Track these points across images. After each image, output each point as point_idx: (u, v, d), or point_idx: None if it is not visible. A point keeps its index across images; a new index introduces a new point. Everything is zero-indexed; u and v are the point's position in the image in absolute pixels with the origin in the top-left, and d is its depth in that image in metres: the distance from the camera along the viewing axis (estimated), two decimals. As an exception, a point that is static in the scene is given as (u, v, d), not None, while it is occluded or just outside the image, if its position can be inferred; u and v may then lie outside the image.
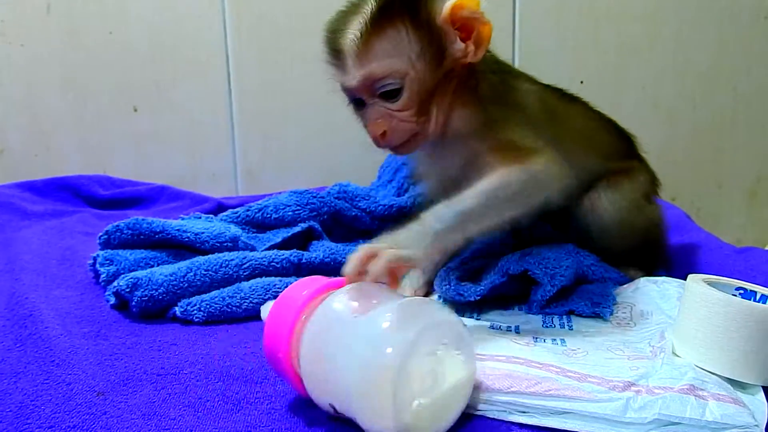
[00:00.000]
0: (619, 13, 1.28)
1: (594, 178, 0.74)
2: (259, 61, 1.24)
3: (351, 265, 0.52)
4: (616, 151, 0.78)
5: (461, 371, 0.47)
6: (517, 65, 1.26)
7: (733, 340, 0.50)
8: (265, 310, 0.51)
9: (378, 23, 0.61)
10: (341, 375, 0.44)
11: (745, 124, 1.35)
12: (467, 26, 0.62)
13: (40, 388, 0.52)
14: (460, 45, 0.62)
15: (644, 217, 0.76)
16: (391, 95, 0.63)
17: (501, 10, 1.25)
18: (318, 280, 0.51)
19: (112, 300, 0.69)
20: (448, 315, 0.48)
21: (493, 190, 0.61)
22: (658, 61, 1.30)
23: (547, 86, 0.75)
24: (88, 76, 1.22)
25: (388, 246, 0.55)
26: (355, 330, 0.45)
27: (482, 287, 0.65)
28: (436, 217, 0.59)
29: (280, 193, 0.94)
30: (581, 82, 1.25)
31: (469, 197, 0.60)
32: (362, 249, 0.54)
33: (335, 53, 0.64)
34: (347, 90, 0.65)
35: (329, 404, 0.46)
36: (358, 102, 0.66)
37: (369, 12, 0.61)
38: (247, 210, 0.89)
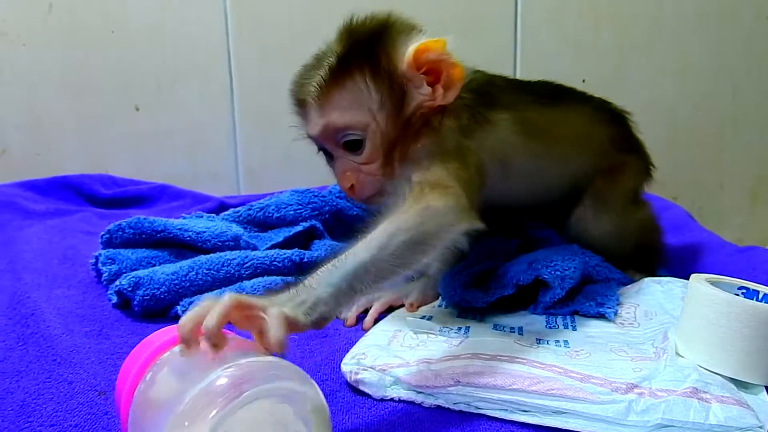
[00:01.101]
0: (619, 14, 1.28)
1: (589, 179, 0.73)
2: (260, 60, 1.24)
3: (208, 320, 0.41)
4: (610, 142, 0.76)
5: None
6: (518, 65, 1.27)
7: (736, 341, 0.50)
8: None
9: (337, 75, 0.60)
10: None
11: (746, 124, 1.35)
12: (435, 69, 0.60)
13: (42, 387, 0.52)
14: (426, 89, 0.60)
15: (634, 222, 0.75)
16: (354, 147, 0.62)
17: (502, 10, 1.25)
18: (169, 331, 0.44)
19: (114, 299, 0.69)
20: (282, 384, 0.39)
21: (387, 239, 0.51)
22: (659, 61, 1.30)
23: (533, 93, 0.72)
24: (89, 76, 1.22)
25: (269, 305, 0.44)
26: (176, 383, 0.40)
27: (489, 297, 0.65)
28: (322, 282, 0.47)
29: (281, 192, 0.94)
30: (583, 81, 1.25)
31: (360, 252, 0.50)
32: (226, 303, 0.42)
33: (299, 103, 0.64)
34: (312, 138, 0.65)
35: None
36: (327, 152, 0.66)
37: (329, 64, 0.61)
38: (249, 209, 0.89)
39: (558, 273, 0.64)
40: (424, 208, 0.54)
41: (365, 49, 0.60)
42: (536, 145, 0.68)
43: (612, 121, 0.78)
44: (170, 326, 0.45)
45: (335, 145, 0.63)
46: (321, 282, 0.47)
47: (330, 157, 0.66)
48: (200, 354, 0.41)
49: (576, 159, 0.73)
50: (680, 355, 0.53)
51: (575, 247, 0.69)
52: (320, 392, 0.41)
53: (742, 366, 0.50)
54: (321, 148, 0.66)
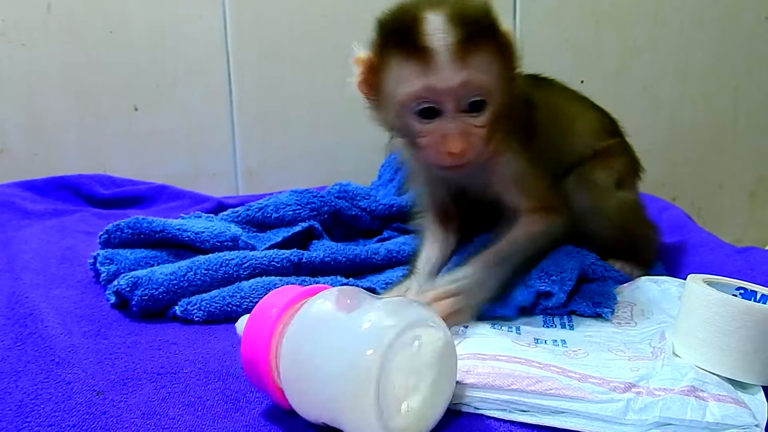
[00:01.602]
0: (620, 14, 1.28)
1: (581, 161, 0.76)
2: (259, 60, 1.24)
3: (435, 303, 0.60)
4: (602, 127, 0.80)
5: (443, 365, 0.46)
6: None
7: (733, 341, 0.50)
8: (241, 324, 0.49)
9: (478, 35, 0.59)
10: (323, 385, 0.43)
11: (746, 125, 1.35)
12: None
13: (40, 387, 0.52)
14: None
15: (614, 204, 0.76)
16: (476, 109, 0.61)
17: (502, 10, 1.25)
18: (293, 289, 0.50)
19: (113, 299, 0.69)
20: (426, 313, 0.47)
21: (521, 255, 0.66)
22: (660, 61, 1.30)
23: (530, 78, 0.75)
24: (88, 76, 1.22)
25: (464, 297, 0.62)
26: (335, 331, 0.45)
27: (491, 312, 0.65)
28: (479, 288, 0.64)
29: (280, 192, 0.94)
30: (582, 82, 1.25)
31: (503, 265, 0.65)
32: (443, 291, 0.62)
33: (423, 51, 0.58)
34: (431, 92, 0.59)
35: (319, 420, 0.45)
36: (427, 112, 0.60)
37: (461, 20, 0.58)
38: (248, 209, 0.89)
39: (556, 279, 0.64)
40: (546, 232, 0.68)
41: (488, 18, 0.62)
42: (553, 126, 0.73)
43: (602, 112, 0.82)
44: (286, 287, 0.52)
45: (457, 103, 0.60)
46: (479, 288, 0.63)
47: (427, 117, 0.61)
48: (340, 301, 0.47)
49: (574, 142, 0.77)
50: (677, 356, 0.54)
51: (570, 247, 0.69)
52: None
53: (739, 366, 0.50)
54: (422, 108, 0.60)
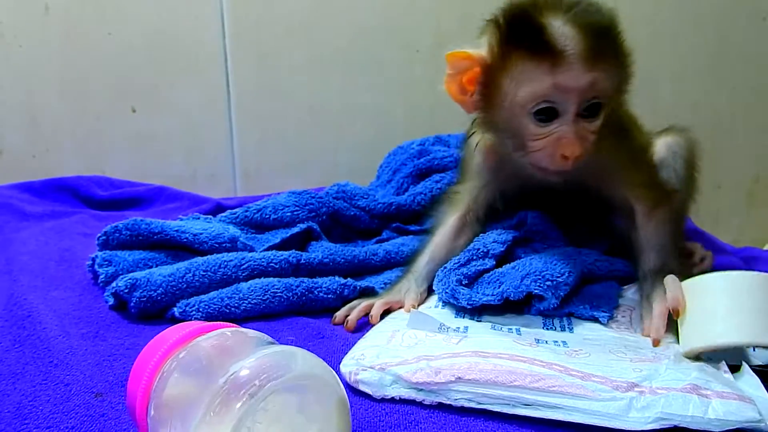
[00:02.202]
0: (620, 14, 1.28)
1: None
2: (257, 62, 1.24)
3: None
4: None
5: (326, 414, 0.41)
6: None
7: (750, 306, 0.52)
8: None
9: (609, 39, 0.61)
10: None
11: (744, 125, 1.35)
12: None
13: (39, 388, 0.51)
14: None
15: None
16: (593, 112, 0.61)
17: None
18: (187, 326, 0.46)
19: (111, 301, 0.69)
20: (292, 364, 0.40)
21: (668, 236, 0.68)
22: (658, 61, 1.30)
23: None
24: (86, 77, 1.22)
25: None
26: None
27: (476, 301, 0.65)
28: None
29: (278, 193, 0.94)
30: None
31: (666, 249, 0.67)
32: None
33: (554, 51, 0.58)
34: (559, 90, 0.59)
35: None
36: (546, 113, 0.60)
37: (591, 23, 0.60)
38: (246, 211, 0.88)
39: (551, 283, 0.64)
40: (669, 209, 0.70)
41: (616, 25, 0.63)
42: (633, 125, 0.77)
43: None
44: (182, 324, 0.46)
45: (578, 105, 0.60)
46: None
47: (547, 118, 0.61)
48: (218, 348, 0.42)
49: (645, 137, 0.81)
50: (685, 356, 0.54)
51: (571, 249, 0.69)
52: (341, 383, 0.42)
53: (756, 328, 0.52)
54: (541, 108, 0.60)
